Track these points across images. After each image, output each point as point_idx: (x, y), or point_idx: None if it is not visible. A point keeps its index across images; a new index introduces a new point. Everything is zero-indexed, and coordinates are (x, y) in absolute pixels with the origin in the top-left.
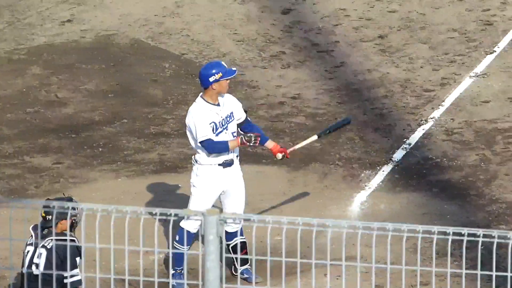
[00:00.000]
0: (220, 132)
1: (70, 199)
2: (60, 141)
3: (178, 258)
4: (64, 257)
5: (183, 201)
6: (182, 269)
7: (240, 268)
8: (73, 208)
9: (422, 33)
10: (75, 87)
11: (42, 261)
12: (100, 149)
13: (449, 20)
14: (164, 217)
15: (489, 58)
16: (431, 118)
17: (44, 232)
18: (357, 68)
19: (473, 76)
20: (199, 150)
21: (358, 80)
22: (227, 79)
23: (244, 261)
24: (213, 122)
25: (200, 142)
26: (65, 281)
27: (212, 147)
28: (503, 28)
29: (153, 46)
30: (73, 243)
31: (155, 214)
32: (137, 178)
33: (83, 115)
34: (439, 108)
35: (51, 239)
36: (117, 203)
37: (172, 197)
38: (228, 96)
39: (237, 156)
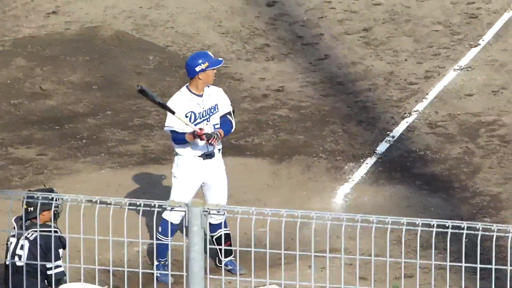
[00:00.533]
0: (200, 123)
1: (51, 190)
2: (44, 132)
3: (162, 250)
4: (47, 248)
5: (166, 192)
6: (166, 261)
7: (224, 260)
8: (55, 199)
9: (407, 26)
10: (59, 79)
11: (25, 253)
12: (84, 141)
13: (434, 13)
14: (148, 208)
15: (474, 51)
16: (415, 111)
17: (26, 224)
18: (341, 61)
19: (457, 69)
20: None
21: (342, 72)
22: (213, 69)
23: (228, 253)
24: (191, 112)
25: (168, 129)
26: (48, 272)
27: (174, 137)
28: (488, 21)
29: (138, 38)
30: (56, 234)
31: (139, 205)
32: (121, 169)
33: (67, 107)
34: (423, 101)
35: (34, 231)
36: (101, 195)
37: (155, 189)
38: (216, 89)
39: (219, 150)
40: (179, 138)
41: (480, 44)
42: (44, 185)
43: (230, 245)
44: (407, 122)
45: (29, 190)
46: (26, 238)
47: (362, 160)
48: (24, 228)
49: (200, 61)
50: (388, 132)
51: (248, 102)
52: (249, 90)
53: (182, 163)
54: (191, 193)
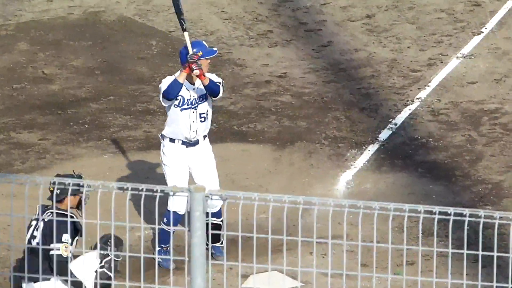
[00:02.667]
0: (186, 109)
1: (80, 177)
2: (46, 117)
3: (164, 236)
4: (53, 230)
5: None
6: (168, 247)
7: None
8: (81, 185)
9: (410, 13)
10: (62, 64)
11: (38, 234)
12: (86, 126)
13: (437, 1)
14: (150, 193)
15: (477, 39)
16: (418, 99)
17: (48, 207)
18: (344, 48)
19: (460, 57)
20: (166, 122)
21: (345, 59)
22: (206, 59)
23: (215, 240)
24: (181, 96)
25: (162, 97)
26: (50, 252)
27: (167, 91)
28: (491, 9)
29: (141, 24)
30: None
31: (141, 190)
32: (123, 155)
33: (70, 92)
34: (425, 89)
35: (50, 212)
36: (102, 180)
37: (157, 174)
38: (209, 76)
39: (204, 137)
40: (170, 86)
41: (483, 32)
42: (74, 171)
43: (219, 234)
44: (409, 110)
45: (58, 175)
46: (43, 219)
47: (364, 147)
48: (43, 211)
49: (194, 50)
50: (391, 119)
51: (251, 88)
52: (252, 76)
53: (167, 150)
54: (183, 178)
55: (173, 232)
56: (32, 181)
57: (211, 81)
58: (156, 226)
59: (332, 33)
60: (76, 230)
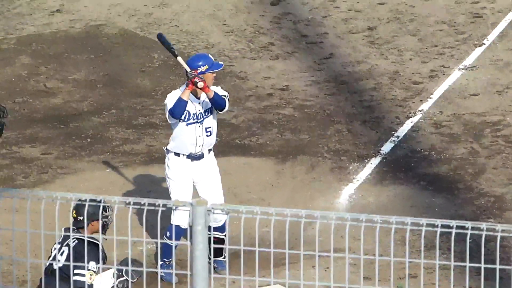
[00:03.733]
0: (192, 123)
1: (99, 201)
2: (48, 131)
3: (167, 251)
4: (81, 256)
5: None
6: (170, 261)
7: (212, 258)
8: (105, 210)
9: (411, 25)
10: (64, 77)
11: (63, 258)
12: (89, 140)
13: (438, 12)
14: (152, 207)
15: (478, 51)
16: (420, 111)
17: (73, 232)
18: (345, 60)
19: (462, 69)
20: (171, 136)
21: (346, 72)
22: (213, 72)
23: (218, 254)
24: (187, 111)
25: (168, 115)
26: (74, 278)
27: (174, 110)
28: (492, 21)
29: (142, 37)
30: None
31: (144, 204)
32: (125, 169)
33: (72, 105)
34: (427, 101)
35: (77, 238)
36: (105, 194)
37: (160, 188)
38: (215, 88)
39: (209, 150)
40: (176, 105)
41: (484, 44)
42: (96, 197)
43: (221, 248)
44: (411, 122)
45: (80, 200)
46: (67, 244)
47: (366, 160)
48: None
49: (200, 63)
50: (393, 132)
51: (253, 101)
52: (254, 89)
53: (172, 164)
54: (187, 192)
55: (176, 246)
56: (34, 196)
57: (216, 93)
58: (159, 240)
59: (333, 46)
60: (102, 259)
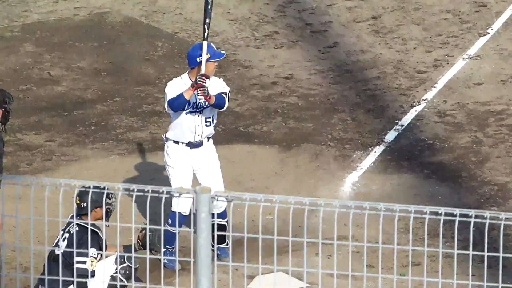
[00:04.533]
0: (191, 112)
1: (105, 188)
2: (52, 119)
3: (169, 238)
4: (80, 244)
5: None
6: (173, 248)
7: (215, 246)
8: (108, 197)
9: (416, 14)
10: (68, 65)
11: (64, 244)
12: (92, 127)
13: (443, 2)
14: (156, 195)
15: (483, 40)
16: (424, 100)
17: (77, 219)
18: (350, 49)
19: (466, 58)
20: (170, 124)
21: (351, 60)
22: (214, 61)
23: (220, 240)
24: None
25: (167, 105)
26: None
27: (173, 104)
28: (497, 10)
29: (146, 25)
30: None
31: (147, 191)
32: (129, 156)
33: (76, 93)
34: (431, 90)
35: (77, 225)
36: (108, 181)
37: (163, 176)
38: (217, 80)
39: (208, 139)
40: (177, 102)
41: (489, 33)
42: (98, 183)
43: (224, 235)
44: (415, 111)
45: (83, 187)
46: (68, 231)
47: (370, 149)
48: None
49: (201, 51)
50: (397, 121)
51: (257, 90)
52: (258, 78)
53: (171, 151)
54: (187, 179)
55: (178, 233)
56: (38, 183)
57: (216, 98)
58: (162, 227)
59: (338, 34)
60: (99, 246)
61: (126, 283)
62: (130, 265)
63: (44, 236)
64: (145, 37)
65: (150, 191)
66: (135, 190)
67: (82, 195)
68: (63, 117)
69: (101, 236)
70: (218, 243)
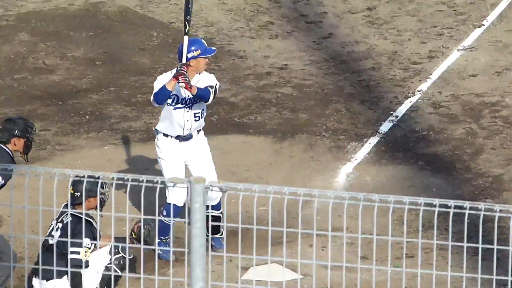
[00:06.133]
0: (180, 108)
1: (99, 178)
2: (46, 108)
3: (164, 229)
4: (72, 233)
5: None
6: (167, 238)
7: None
8: (102, 187)
9: (411, 6)
10: (63, 55)
11: (57, 234)
12: (87, 117)
13: None
14: (150, 184)
15: (477, 32)
16: (419, 91)
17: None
18: (345, 40)
19: (461, 50)
20: (160, 117)
21: (345, 51)
22: (205, 57)
23: (215, 231)
24: (175, 95)
25: (152, 98)
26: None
27: (156, 96)
28: (492, 2)
29: (141, 15)
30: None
31: (142, 181)
32: (123, 146)
33: (70, 83)
34: (426, 81)
35: (70, 215)
36: (103, 171)
37: (157, 166)
38: (208, 75)
39: (198, 131)
40: (160, 93)
41: (484, 25)
42: (92, 173)
43: (218, 226)
44: (410, 102)
45: (77, 176)
46: (61, 221)
47: (365, 140)
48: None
49: (192, 48)
50: (391, 112)
51: (252, 80)
52: (253, 68)
53: (161, 144)
54: (179, 171)
55: (173, 223)
56: (33, 172)
57: (198, 90)
58: (156, 218)
59: (332, 25)
60: (93, 236)
61: (120, 273)
62: (124, 255)
63: (38, 226)
64: (140, 27)
65: (144, 180)
66: (130, 179)
67: (75, 184)
68: (57, 106)
69: (95, 226)
70: (212, 234)
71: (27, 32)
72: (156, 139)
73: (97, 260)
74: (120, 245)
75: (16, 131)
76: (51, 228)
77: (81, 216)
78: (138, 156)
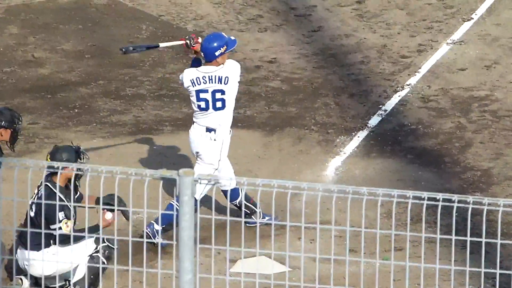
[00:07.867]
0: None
1: (78, 149)
2: (36, 101)
3: (163, 218)
4: (48, 209)
5: (157, 162)
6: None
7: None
8: (79, 158)
9: None
10: (52, 48)
11: (34, 208)
12: (76, 110)
13: None
14: (139, 177)
15: (467, 25)
16: (408, 85)
17: (48, 179)
18: (334, 33)
19: (450, 43)
20: (229, 113)
21: (335, 45)
22: (230, 51)
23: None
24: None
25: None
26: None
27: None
28: None
29: (131, 7)
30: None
31: (130, 174)
32: (112, 139)
33: (60, 76)
34: (415, 75)
35: (45, 185)
36: (92, 164)
37: (147, 159)
38: (231, 63)
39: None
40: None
41: (473, 18)
42: (72, 143)
43: (253, 202)
44: (399, 96)
45: (55, 146)
46: (37, 194)
47: (353, 133)
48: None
49: (218, 44)
50: (380, 106)
51: (241, 74)
52: (242, 61)
53: (228, 142)
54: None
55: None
56: (22, 164)
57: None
58: (145, 210)
59: (322, 19)
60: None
61: (106, 264)
62: (110, 245)
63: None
64: (129, 20)
65: (133, 173)
66: (119, 172)
67: (53, 153)
68: (46, 99)
69: (68, 205)
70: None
71: (16, 25)
72: (222, 140)
73: (84, 248)
74: (106, 237)
75: (3, 121)
76: (32, 199)
77: (55, 190)
78: (127, 150)
